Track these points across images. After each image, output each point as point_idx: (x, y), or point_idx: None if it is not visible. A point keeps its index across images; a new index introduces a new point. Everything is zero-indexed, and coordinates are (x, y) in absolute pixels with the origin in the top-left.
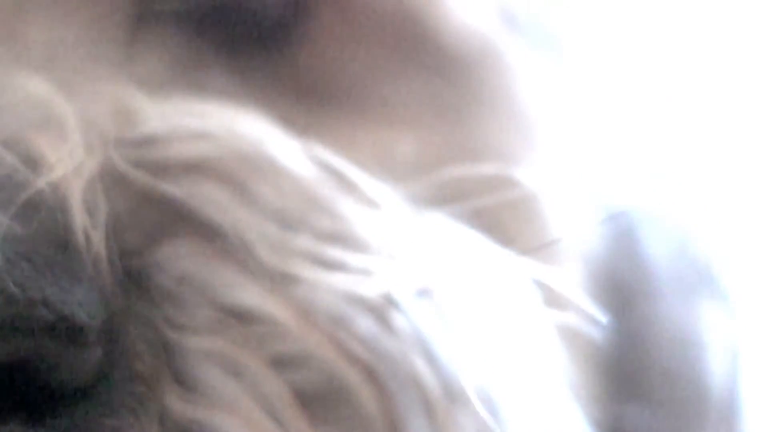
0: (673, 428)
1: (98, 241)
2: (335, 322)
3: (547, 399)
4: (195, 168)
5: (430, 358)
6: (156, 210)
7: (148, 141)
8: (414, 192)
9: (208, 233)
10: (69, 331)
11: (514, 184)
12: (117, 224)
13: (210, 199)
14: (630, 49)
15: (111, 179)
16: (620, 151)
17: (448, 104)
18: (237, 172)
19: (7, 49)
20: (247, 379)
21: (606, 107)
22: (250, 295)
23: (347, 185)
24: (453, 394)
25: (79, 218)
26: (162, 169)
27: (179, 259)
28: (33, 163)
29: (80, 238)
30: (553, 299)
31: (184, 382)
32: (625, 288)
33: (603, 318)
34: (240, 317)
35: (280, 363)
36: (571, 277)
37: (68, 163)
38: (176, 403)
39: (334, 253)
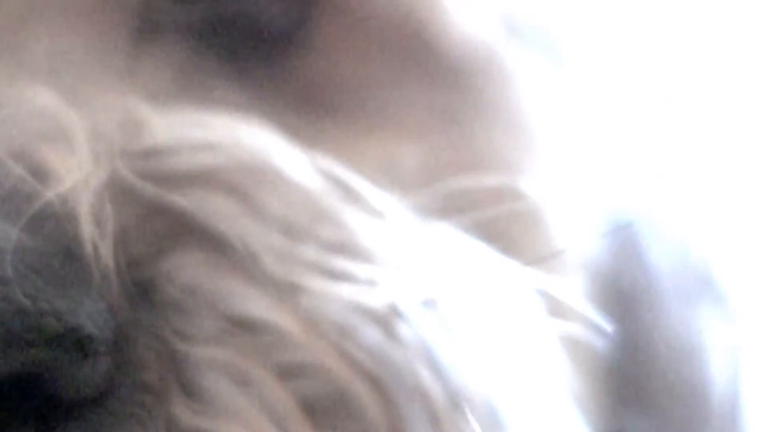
0: None
1: (106, 252)
2: (341, 332)
3: (551, 409)
4: (201, 179)
5: (436, 368)
6: (163, 221)
7: (155, 152)
8: (419, 202)
9: (214, 244)
10: (78, 342)
11: (518, 195)
12: (124, 235)
13: (216, 210)
14: (631, 56)
15: (118, 190)
16: (621, 159)
17: (451, 113)
18: (243, 183)
19: (12, 61)
20: (253, 388)
21: (607, 115)
22: (256, 305)
23: (352, 195)
24: (458, 404)
25: (87, 230)
26: (169, 180)
27: (186, 270)
28: (41, 174)
29: (89, 249)
30: (557, 309)
31: (191, 391)
32: (626, 296)
33: (607, 327)
34: (246, 327)
35: (287, 373)
36: (575, 287)
37: (76, 175)
38: (183, 413)
39: (340, 263)
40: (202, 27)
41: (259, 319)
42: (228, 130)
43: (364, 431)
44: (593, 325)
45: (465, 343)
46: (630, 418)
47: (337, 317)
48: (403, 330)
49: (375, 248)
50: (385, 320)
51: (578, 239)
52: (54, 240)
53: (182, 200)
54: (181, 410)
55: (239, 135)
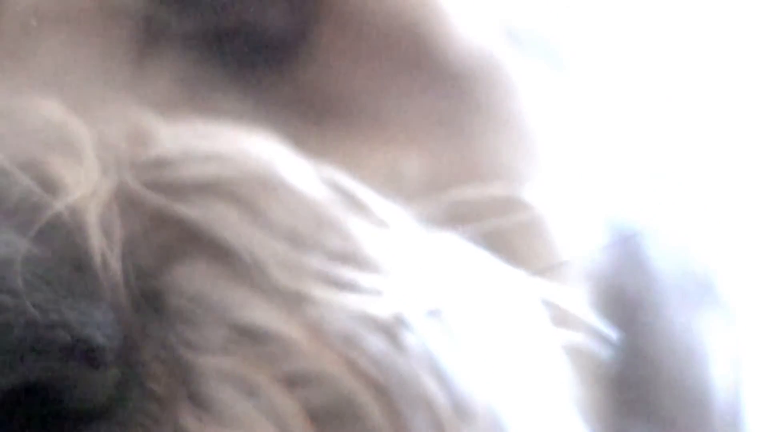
0: None
1: (115, 263)
2: (347, 342)
3: (555, 417)
4: (208, 189)
5: (440, 377)
6: (170, 231)
7: (162, 163)
8: (423, 212)
9: (221, 254)
10: (87, 353)
11: (522, 205)
12: (132, 246)
13: (223, 220)
14: (631, 62)
15: (126, 201)
16: (622, 165)
17: (453, 121)
18: (249, 193)
19: (18, 72)
20: (260, 397)
21: (608, 121)
22: (262, 314)
23: (358, 205)
24: (463, 413)
25: (96, 240)
26: (176, 190)
27: (193, 279)
28: (50, 185)
29: (97, 260)
30: (561, 318)
31: (198, 400)
32: (628, 302)
33: (611, 335)
34: (253, 336)
35: (293, 382)
36: (579, 295)
37: (85, 186)
38: (191, 422)
39: (346, 272)
40: (206, 38)
41: (265, 329)
42: (234, 141)
43: None
44: (597, 333)
45: (470, 353)
46: (633, 425)
47: (343, 326)
48: (408, 339)
49: (380, 258)
50: (391, 329)
51: (581, 249)
52: (63, 251)
53: (189, 210)
54: (189, 419)
55: (245, 145)
